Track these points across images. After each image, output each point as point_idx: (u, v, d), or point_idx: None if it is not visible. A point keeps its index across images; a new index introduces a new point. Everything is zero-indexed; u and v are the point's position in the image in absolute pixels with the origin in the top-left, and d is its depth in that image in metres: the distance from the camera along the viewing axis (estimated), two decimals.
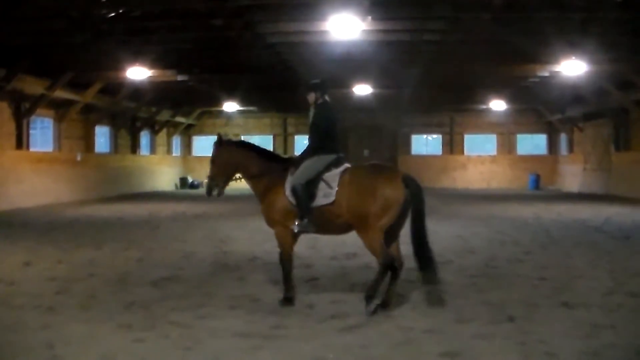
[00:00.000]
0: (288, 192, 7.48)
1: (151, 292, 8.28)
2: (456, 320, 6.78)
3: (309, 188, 7.38)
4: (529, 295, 7.92)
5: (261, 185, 7.80)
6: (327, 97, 7.91)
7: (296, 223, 7.42)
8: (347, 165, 7.62)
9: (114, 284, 8.81)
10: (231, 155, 7.94)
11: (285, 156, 8.20)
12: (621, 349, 5.78)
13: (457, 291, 8.19)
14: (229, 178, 8.06)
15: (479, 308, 7.28)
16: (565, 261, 10.56)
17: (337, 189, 7.33)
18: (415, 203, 7.24)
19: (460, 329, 6.45)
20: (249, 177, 7.91)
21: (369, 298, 7.10)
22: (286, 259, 7.65)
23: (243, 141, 8.36)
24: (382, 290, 7.29)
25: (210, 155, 8.06)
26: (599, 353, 5.64)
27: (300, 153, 7.87)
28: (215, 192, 8.02)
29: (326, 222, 7.42)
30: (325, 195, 7.35)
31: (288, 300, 7.48)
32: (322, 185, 7.39)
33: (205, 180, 8.22)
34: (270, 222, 7.73)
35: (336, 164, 7.56)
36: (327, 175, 7.44)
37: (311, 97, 7.88)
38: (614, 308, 7.25)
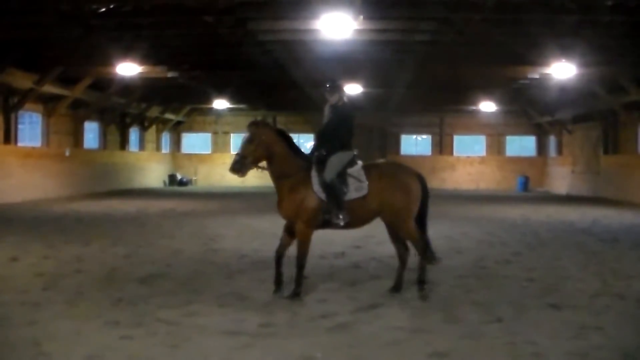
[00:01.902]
0: (317, 187, 7.63)
1: (139, 288, 8.23)
2: (444, 320, 6.78)
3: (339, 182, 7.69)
4: (518, 296, 7.94)
5: (288, 179, 7.75)
6: (345, 98, 8.21)
7: (340, 216, 7.62)
8: (360, 162, 8.00)
9: (101, 280, 8.76)
10: (268, 140, 7.72)
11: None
12: (608, 351, 5.79)
13: (446, 291, 8.20)
14: (257, 161, 7.79)
15: (467, 308, 7.29)
16: (554, 263, 10.59)
17: (367, 182, 7.76)
18: (423, 196, 8.11)
19: (448, 329, 6.45)
20: (278, 168, 7.77)
21: (421, 283, 7.91)
22: (305, 255, 7.80)
23: (282, 130, 8.13)
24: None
25: (247, 133, 7.73)
26: (587, 354, 5.65)
27: (314, 150, 7.98)
28: (241, 172, 7.70)
29: (356, 214, 7.77)
30: (357, 189, 7.74)
31: (298, 295, 7.67)
32: (351, 180, 7.74)
33: (235, 157, 7.71)
34: (295, 218, 7.74)
35: (354, 160, 7.93)
36: (352, 171, 7.82)
37: (334, 97, 8.08)
38: (602, 310, 7.28)
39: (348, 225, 7.87)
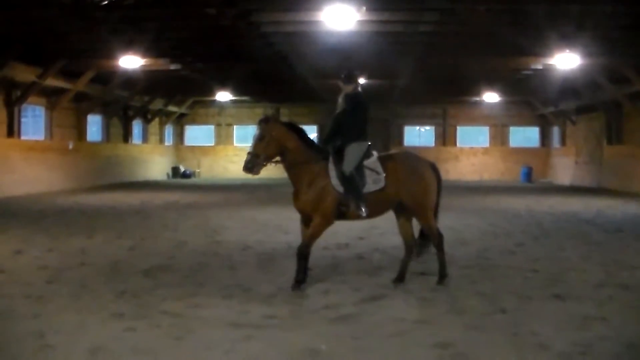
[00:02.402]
0: (335, 180, 7.55)
1: (143, 281, 8.24)
2: (448, 311, 6.78)
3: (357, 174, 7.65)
4: (521, 287, 7.93)
5: (305, 173, 7.62)
6: (359, 88, 8.18)
7: (363, 208, 7.57)
8: (375, 153, 7.95)
9: (105, 272, 8.78)
10: (279, 136, 7.59)
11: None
12: (612, 342, 5.78)
13: (450, 282, 8.17)
14: (270, 158, 7.66)
15: (471, 299, 7.28)
16: (557, 253, 10.58)
17: (384, 174, 7.72)
18: (437, 186, 8.23)
19: (452, 320, 6.45)
20: (292, 163, 7.67)
21: (442, 277, 8.01)
22: (311, 246, 7.74)
23: (292, 123, 8.00)
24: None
25: (257, 131, 7.59)
26: (591, 345, 5.64)
27: (327, 140, 7.93)
28: (254, 171, 7.56)
29: (373, 207, 7.74)
30: (375, 181, 7.71)
31: (301, 282, 7.62)
32: (367, 172, 7.70)
33: (247, 159, 7.56)
34: (312, 212, 7.62)
35: (369, 151, 7.88)
36: (368, 163, 7.77)
37: (349, 87, 8.01)
38: (606, 300, 7.27)
39: (366, 217, 7.83)
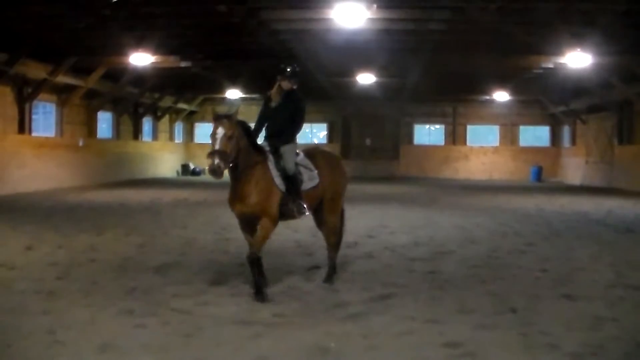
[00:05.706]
0: (279, 180, 7.30)
1: (152, 278, 8.26)
2: (458, 310, 6.76)
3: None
4: (531, 287, 7.91)
5: (251, 175, 7.15)
6: (296, 86, 7.85)
7: (304, 206, 7.50)
8: (301, 152, 7.87)
9: (115, 269, 8.80)
10: (239, 135, 7.00)
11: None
12: (623, 342, 5.76)
13: (459, 282, 8.17)
14: (234, 159, 6.98)
15: (481, 299, 7.27)
16: (567, 253, 10.54)
17: (317, 171, 7.74)
18: None
19: (462, 319, 6.43)
20: (241, 165, 7.08)
21: (330, 277, 8.01)
22: (260, 252, 7.34)
23: (243, 122, 7.31)
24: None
25: (222, 129, 6.83)
26: (601, 346, 5.62)
27: (256, 133, 7.68)
28: (221, 174, 6.74)
29: (309, 204, 7.69)
30: (311, 178, 7.68)
31: (260, 294, 7.08)
32: (302, 169, 7.63)
33: (216, 161, 6.74)
34: (260, 213, 7.24)
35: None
36: (299, 160, 7.69)
37: (290, 83, 7.73)
38: (616, 301, 7.24)
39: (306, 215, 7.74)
